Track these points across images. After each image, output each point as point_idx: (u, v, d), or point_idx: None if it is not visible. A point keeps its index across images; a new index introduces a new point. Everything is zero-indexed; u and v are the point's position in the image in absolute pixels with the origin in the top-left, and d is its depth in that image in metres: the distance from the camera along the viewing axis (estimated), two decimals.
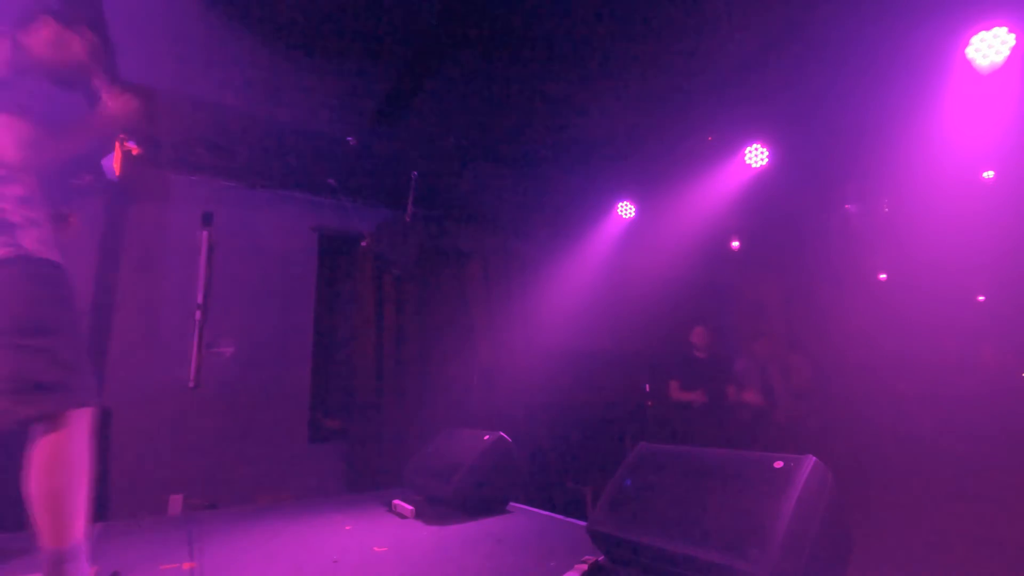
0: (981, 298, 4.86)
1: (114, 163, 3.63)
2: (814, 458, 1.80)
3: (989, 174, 4.14)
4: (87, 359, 1.67)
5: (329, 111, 3.82)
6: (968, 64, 3.12)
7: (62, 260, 1.68)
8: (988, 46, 3.05)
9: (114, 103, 1.82)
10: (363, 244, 5.03)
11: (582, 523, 2.49)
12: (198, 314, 4.31)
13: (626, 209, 5.29)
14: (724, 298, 5.79)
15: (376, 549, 2.38)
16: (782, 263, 5.59)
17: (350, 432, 4.84)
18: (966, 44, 3.10)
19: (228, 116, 3.82)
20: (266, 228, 4.76)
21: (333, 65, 3.30)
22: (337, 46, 3.13)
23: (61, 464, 1.54)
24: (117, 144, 3.58)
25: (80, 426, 1.58)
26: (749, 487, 1.81)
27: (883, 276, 5.32)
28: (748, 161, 4.33)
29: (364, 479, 4.65)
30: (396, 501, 3.12)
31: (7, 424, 1.53)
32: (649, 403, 4.86)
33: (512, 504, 3.22)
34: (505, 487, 3.16)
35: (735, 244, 5.52)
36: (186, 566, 2.09)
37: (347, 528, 2.77)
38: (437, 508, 3.07)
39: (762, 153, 4.28)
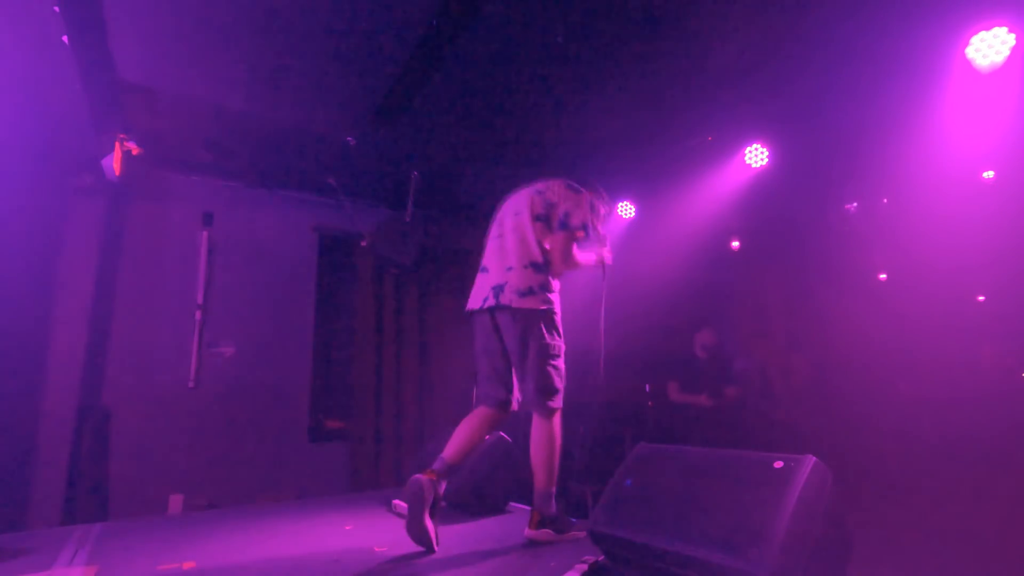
0: (981, 298, 4.85)
1: (114, 163, 3.63)
2: (814, 458, 1.79)
3: (989, 174, 4.13)
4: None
5: (329, 111, 3.82)
6: (968, 64, 3.12)
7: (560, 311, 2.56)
8: (988, 46, 3.05)
9: (605, 248, 2.78)
10: (363, 244, 5.02)
11: (582, 523, 2.49)
12: (198, 314, 4.32)
13: (626, 209, 5.29)
14: (724, 298, 5.78)
15: (376, 549, 2.38)
16: (782, 263, 5.57)
17: (350, 432, 4.84)
18: (966, 44, 3.09)
19: (228, 116, 3.82)
20: (266, 228, 4.77)
21: (333, 65, 3.30)
22: (337, 46, 3.13)
23: (551, 439, 2.43)
24: (117, 144, 3.59)
25: (559, 416, 2.48)
26: (749, 487, 1.81)
27: (883, 276, 5.31)
28: (748, 161, 4.32)
29: (364, 479, 4.65)
30: (396, 501, 3.12)
31: (530, 410, 2.46)
32: (649, 403, 4.85)
33: (512, 504, 3.22)
34: (505, 487, 3.16)
35: (735, 244, 5.51)
36: (186, 566, 2.09)
37: (347, 528, 2.77)
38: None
39: (762, 153, 4.27)
